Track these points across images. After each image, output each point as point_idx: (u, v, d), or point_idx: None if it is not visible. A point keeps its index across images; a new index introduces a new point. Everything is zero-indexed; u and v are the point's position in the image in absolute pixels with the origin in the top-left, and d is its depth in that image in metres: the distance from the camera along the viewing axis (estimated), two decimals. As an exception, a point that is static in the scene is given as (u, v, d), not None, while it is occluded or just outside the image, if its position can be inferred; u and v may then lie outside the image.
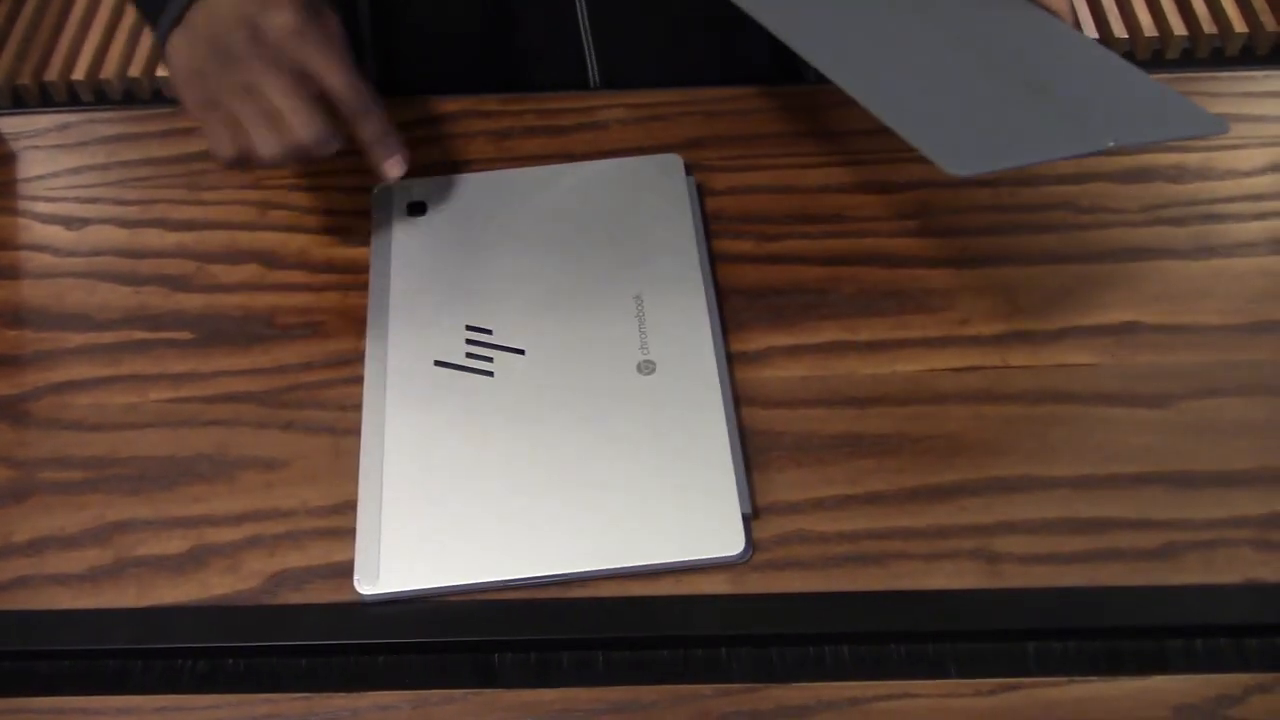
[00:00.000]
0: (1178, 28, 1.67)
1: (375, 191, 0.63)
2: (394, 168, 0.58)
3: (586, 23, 0.70)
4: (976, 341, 0.56)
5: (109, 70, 1.71)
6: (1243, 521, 0.50)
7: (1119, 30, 1.68)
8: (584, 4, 0.69)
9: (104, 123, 0.69)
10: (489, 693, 0.48)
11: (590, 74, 0.72)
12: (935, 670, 0.48)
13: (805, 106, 0.66)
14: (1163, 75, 0.66)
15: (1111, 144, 0.48)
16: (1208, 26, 1.68)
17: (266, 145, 0.53)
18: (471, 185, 0.63)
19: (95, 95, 1.73)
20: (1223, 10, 1.67)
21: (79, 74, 1.71)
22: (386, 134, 0.57)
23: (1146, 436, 0.53)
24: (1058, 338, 0.56)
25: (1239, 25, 1.67)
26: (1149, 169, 0.62)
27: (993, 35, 0.55)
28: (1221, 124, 0.51)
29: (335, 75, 0.55)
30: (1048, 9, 0.56)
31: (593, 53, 0.71)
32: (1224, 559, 0.49)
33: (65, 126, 0.68)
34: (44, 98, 1.73)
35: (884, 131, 0.64)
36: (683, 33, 0.59)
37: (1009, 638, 0.48)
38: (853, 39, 0.55)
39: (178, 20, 0.55)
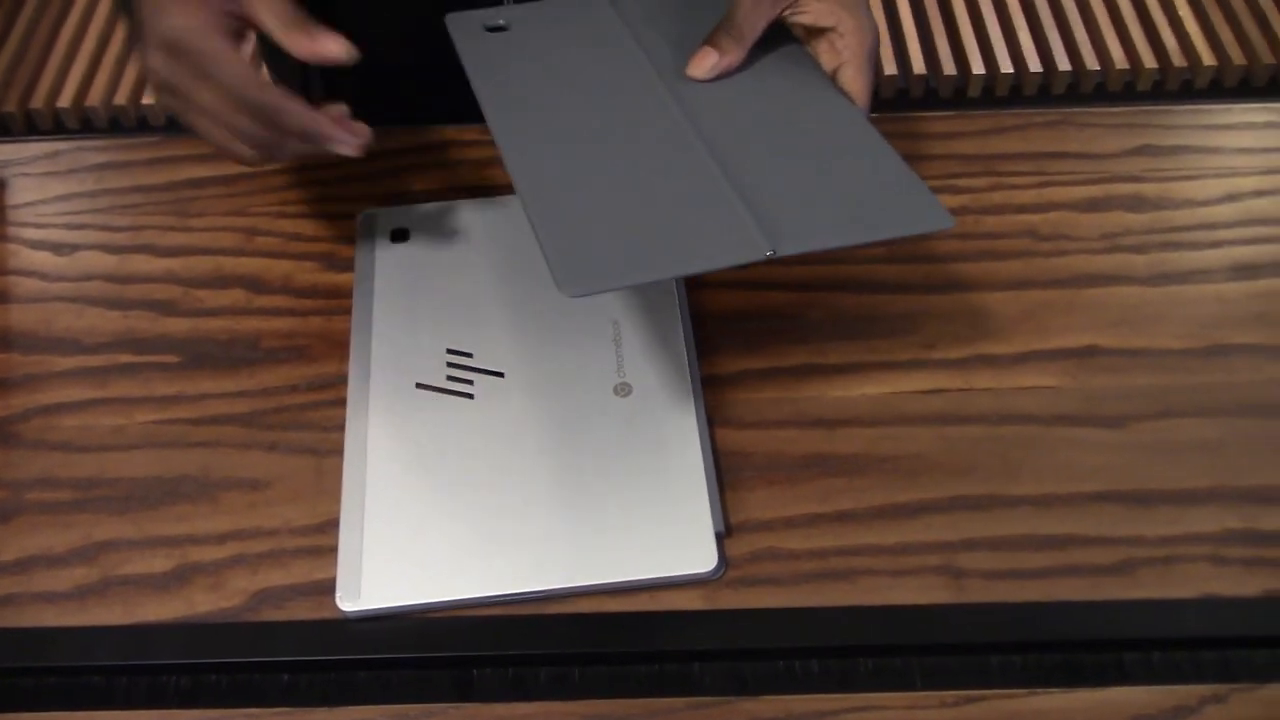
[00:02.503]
0: (1148, 60, 1.71)
1: (359, 218, 0.64)
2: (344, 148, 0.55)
3: None
4: (941, 365, 0.58)
5: (95, 98, 1.72)
6: (1197, 538, 0.52)
7: (1091, 63, 1.71)
8: None
9: (93, 150, 0.70)
10: (468, 707, 0.49)
11: None
12: (901, 683, 0.49)
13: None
14: (1125, 108, 0.69)
15: (770, 253, 0.47)
16: (1177, 60, 1.71)
17: (239, 160, 0.55)
18: (453, 213, 0.64)
19: (81, 123, 1.74)
20: (1192, 45, 1.71)
21: (64, 101, 1.72)
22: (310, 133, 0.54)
23: (1105, 456, 0.54)
24: (1019, 361, 0.58)
25: (1207, 59, 1.70)
26: (1109, 199, 0.65)
27: (736, 121, 0.54)
28: (948, 220, 0.50)
29: (241, 96, 0.52)
30: (844, 91, 0.57)
31: None
32: (1179, 574, 0.51)
33: (55, 154, 0.70)
34: (29, 125, 1.74)
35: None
36: None
37: (972, 651, 0.50)
38: (557, 112, 0.54)
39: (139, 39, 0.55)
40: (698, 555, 0.51)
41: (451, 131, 0.70)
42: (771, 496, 0.54)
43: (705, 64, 0.57)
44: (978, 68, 1.72)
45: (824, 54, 0.57)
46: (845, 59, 0.56)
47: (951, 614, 0.50)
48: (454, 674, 0.50)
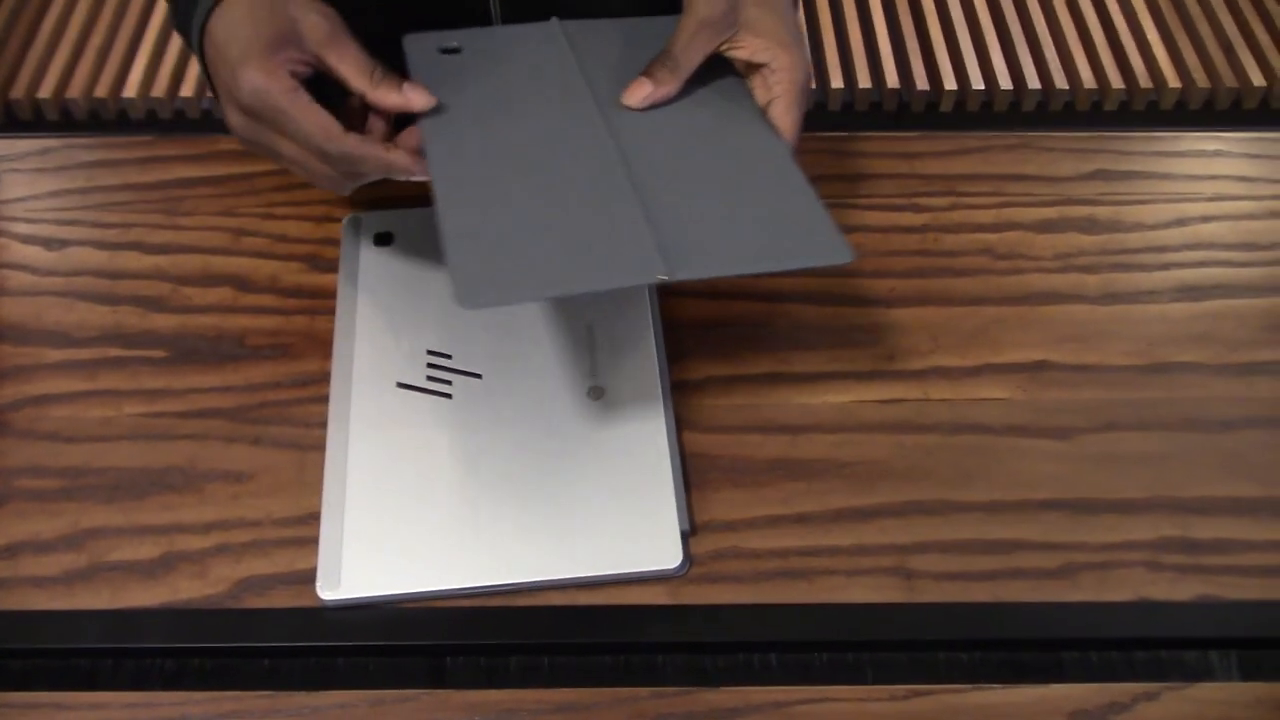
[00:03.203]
0: (1115, 82, 1.75)
1: (345, 222, 0.66)
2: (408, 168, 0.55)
3: None
4: (900, 376, 0.61)
5: (76, 90, 1.73)
6: (1135, 545, 0.55)
7: (1060, 82, 1.75)
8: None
9: (84, 148, 0.72)
10: (441, 693, 0.51)
11: None
12: (854, 676, 0.52)
13: (750, 153, 0.71)
14: (1083, 133, 0.72)
15: (664, 277, 0.48)
16: (1144, 81, 1.76)
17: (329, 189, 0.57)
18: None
19: (61, 114, 1.74)
20: (1158, 68, 1.76)
21: (45, 93, 1.73)
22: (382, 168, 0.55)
23: (1052, 466, 0.57)
24: (974, 374, 0.61)
25: (1173, 81, 1.75)
26: (1064, 220, 0.68)
27: (663, 148, 0.56)
28: (846, 255, 0.51)
29: (323, 149, 0.54)
30: (773, 125, 0.57)
31: None
32: (1117, 579, 0.54)
33: (46, 151, 0.72)
34: (9, 115, 1.74)
35: (817, 178, 0.69)
36: None
37: (921, 647, 0.53)
38: (489, 133, 0.56)
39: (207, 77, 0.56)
40: (663, 553, 0.53)
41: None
42: (736, 498, 0.56)
43: (639, 93, 0.58)
44: (950, 84, 1.75)
45: (758, 88, 0.59)
46: (777, 94, 0.58)
47: (903, 613, 0.53)
48: (428, 662, 0.53)
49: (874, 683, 0.52)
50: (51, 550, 0.55)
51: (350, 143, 0.53)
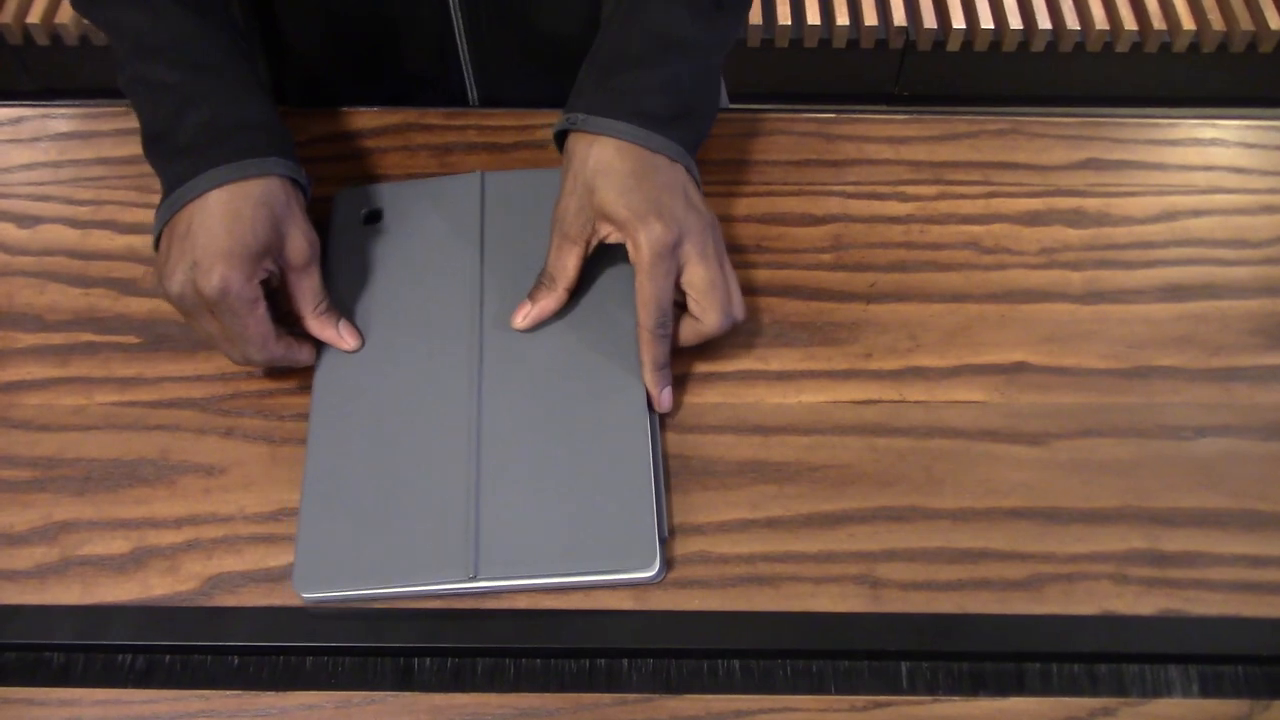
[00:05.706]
0: (1128, 22, 1.71)
1: (336, 199, 0.65)
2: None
3: (465, 50, 0.72)
4: (877, 376, 0.60)
5: (65, 15, 1.70)
6: (1102, 557, 0.55)
7: (1072, 22, 1.71)
8: (462, 32, 0.71)
9: (57, 118, 0.70)
10: (408, 695, 0.52)
11: (470, 100, 0.75)
12: (816, 686, 0.53)
13: (729, 134, 0.70)
14: (1075, 118, 0.70)
15: (470, 577, 0.52)
16: (1157, 23, 1.71)
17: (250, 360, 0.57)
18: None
19: (51, 39, 1.71)
20: (1172, 7, 1.71)
21: (34, 17, 1.70)
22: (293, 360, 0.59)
23: (1023, 473, 0.57)
24: (951, 375, 0.60)
25: (1187, 23, 1.71)
26: (1051, 212, 0.66)
27: (521, 405, 0.57)
28: (651, 571, 0.53)
29: (246, 352, 0.56)
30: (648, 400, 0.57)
31: (472, 79, 0.74)
32: (1083, 591, 0.54)
33: (18, 121, 0.70)
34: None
35: (803, 163, 0.68)
36: (560, 60, 0.61)
37: (884, 658, 0.53)
38: (370, 389, 0.58)
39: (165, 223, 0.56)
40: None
41: (412, 114, 0.70)
42: (706, 501, 0.56)
43: (519, 315, 0.59)
44: (958, 22, 1.71)
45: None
46: (636, 270, 0.56)
47: (867, 622, 0.53)
48: (396, 663, 0.53)
49: (836, 693, 0.52)
50: (25, 543, 0.55)
51: (279, 351, 0.57)
